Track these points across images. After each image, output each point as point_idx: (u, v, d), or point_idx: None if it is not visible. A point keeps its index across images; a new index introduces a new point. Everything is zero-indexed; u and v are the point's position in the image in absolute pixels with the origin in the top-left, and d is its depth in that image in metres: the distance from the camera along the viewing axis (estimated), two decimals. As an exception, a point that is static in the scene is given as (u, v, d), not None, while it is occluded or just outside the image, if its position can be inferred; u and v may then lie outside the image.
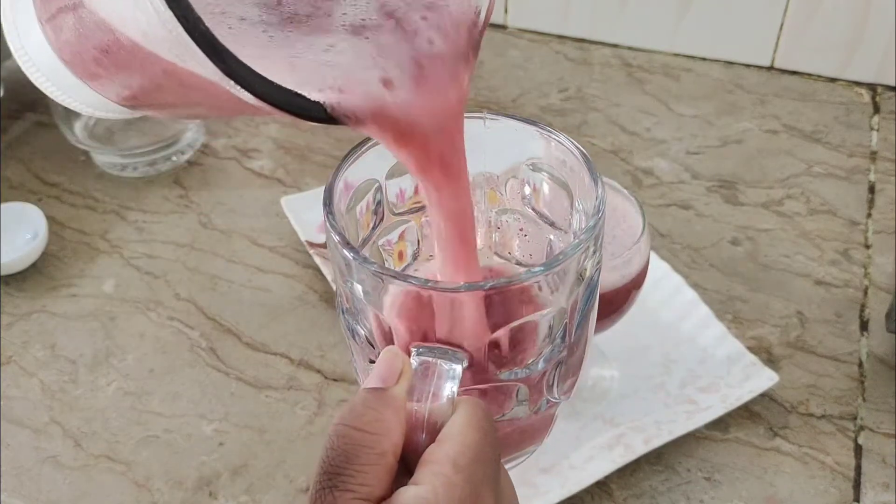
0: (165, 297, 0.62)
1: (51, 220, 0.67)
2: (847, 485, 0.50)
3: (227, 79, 0.21)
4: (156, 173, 0.73)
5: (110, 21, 0.24)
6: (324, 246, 0.64)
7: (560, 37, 0.90)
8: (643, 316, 0.57)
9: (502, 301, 0.29)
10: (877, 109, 0.79)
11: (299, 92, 0.24)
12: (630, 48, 0.88)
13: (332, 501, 0.25)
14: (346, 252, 0.28)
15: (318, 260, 0.62)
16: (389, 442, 0.26)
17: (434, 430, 0.27)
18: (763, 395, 0.53)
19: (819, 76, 0.83)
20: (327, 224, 0.29)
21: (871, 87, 0.81)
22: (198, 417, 0.54)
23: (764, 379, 0.53)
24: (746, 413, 0.53)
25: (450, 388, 0.27)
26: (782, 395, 0.54)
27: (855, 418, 0.53)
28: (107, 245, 0.67)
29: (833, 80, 0.82)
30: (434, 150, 0.28)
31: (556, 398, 0.34)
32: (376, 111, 0.26)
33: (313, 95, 0.25)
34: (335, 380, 0.56)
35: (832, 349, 0.57)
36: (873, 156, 0.74)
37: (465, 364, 0.28)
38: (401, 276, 0.28)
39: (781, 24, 0.81)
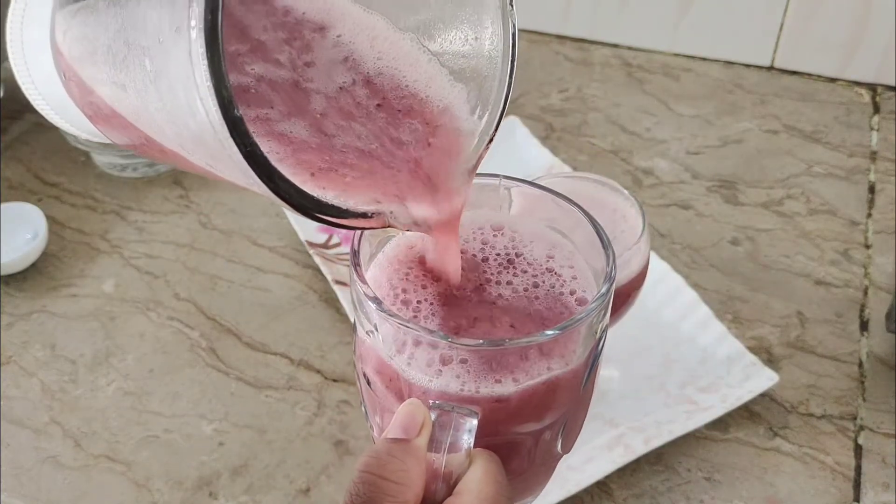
0: (165, 297, 0.62)
1: (51, 220, 0.67)
2: (847, 485, 0.50)
3: (271, 194, 0.23)
4: (156, 173, 0.73)
5: (138, 123, 0.25)
6: (324, 246, 0.64)
7: (560, 37, 0.90)
8: (643, 316, 0.57)
9: (517, 357, 0.30)
10: (877, 109, 0.79)
11: (345, 207, 0.26)
12: (630, 48, 0.88)
13: None
14: (371, 304, 0.30)
15: (318, 260, 0.62)
16: (412, 492, 0.27)
17: (450, 481, 0.28)
18: (763, 395, 0.53)
19: (819, 76, 0.83)
20: (353, 275, 0.31)
21: (871, 87, 0.81)
22: (198, 417, 0.54)
23: (764, 379, 0.53)
24: (746, 413, 0.53)
25: (467, 440, 0.28)
26: (782, 395, 0.54)
27: (855, 418, 0.53)
28: (107, 245, 0.67)
29: (833, 80, 0.82)
30: (438, 230, 0.31)
31: (558, 452, 0.34)
32: (413, 223, 0.29)
33: (361, 208, 0.27)
34: (335, 380, 0.56)
35: (832, 349, 0.57)
36: (873, 156, 0.74)
37: (479, 416, 0.29)
38: (425, 330, 0.29)
39: (781, 24, 0.81)
